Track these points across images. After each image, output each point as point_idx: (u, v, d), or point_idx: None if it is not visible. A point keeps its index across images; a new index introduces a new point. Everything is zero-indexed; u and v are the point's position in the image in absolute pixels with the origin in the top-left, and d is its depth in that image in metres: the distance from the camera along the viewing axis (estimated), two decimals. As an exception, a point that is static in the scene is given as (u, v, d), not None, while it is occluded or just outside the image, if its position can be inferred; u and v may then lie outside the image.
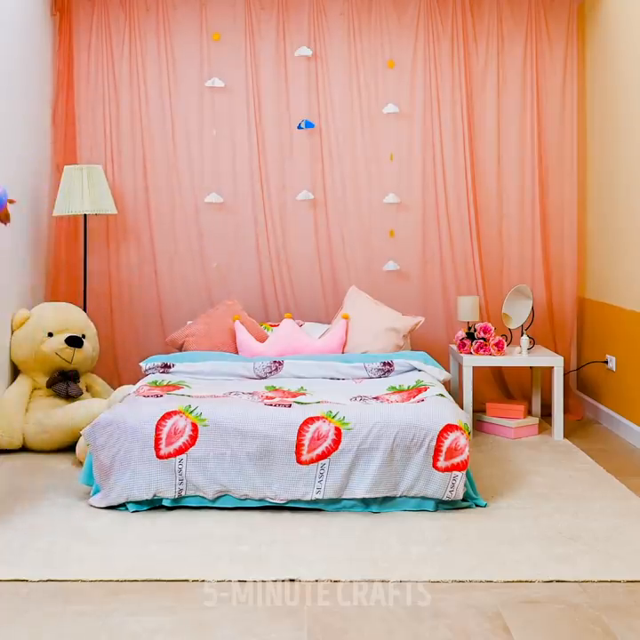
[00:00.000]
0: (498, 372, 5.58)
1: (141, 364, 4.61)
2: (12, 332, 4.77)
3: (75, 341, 4.73)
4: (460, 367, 4.97)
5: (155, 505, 3.60)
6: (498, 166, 5.55)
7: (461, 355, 4.93)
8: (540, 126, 5.54)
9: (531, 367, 5.32)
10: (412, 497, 3.58)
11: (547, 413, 5.19)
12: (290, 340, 4.87)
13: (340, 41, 5.48)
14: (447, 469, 3.54)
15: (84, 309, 5.19)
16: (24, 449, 4.55)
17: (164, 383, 4.27)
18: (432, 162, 5.52)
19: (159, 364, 4.53)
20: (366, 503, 3.57)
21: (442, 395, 3.98)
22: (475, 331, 5.01)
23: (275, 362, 4.55)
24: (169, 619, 2.61)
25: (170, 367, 4.51)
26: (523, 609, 2.67)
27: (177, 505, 3.59)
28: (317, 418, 3.61)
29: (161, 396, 3.95)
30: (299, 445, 3.55)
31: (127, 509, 3.57)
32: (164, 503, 3.58)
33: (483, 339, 4.95)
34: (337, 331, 4.95)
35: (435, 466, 3.55)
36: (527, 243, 5.57)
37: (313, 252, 5.56)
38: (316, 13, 5.46)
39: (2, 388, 4.65)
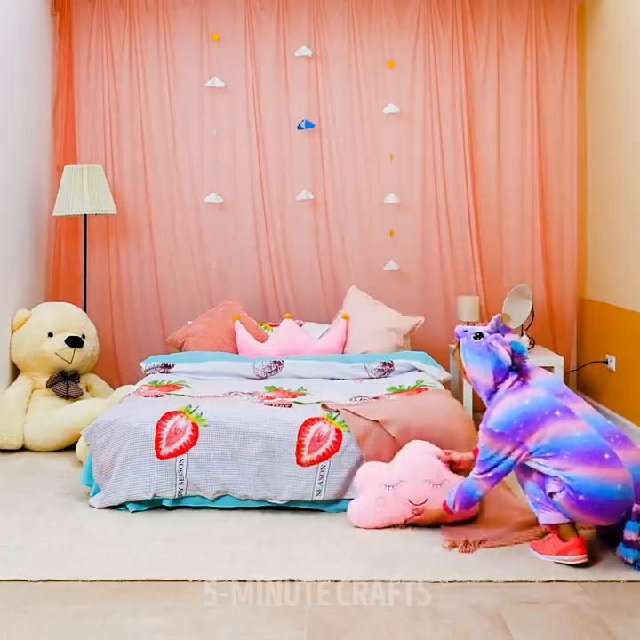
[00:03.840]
0: (498, 372, 5.57)
1: (141, 364, 4.61)
2: (12, 332, 4.77)
3: (75, 341, 4.73)
4: (460, 367, 4.97)
5: (155, 505, 3.60)
6: (498, 166, 5.55)
7: (461, 355, 4.92)
8: (540, 127, 5.54)
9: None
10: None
11: (547, 413, 5.18)
12: (290, 340, 4.86)
13: (340, 41, 5.48)
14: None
15: (84, 309, 5.19)
16: (24, 449, 4.55)
17: (165, 383, 4.27)
18: (432, 162, 5.52)
19: (159, 364, 4.53)
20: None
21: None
22: (475, 331, 5.00)
23: (275, 362, 4.55)
24: (169, 619, 2.61)
25: (170, 367, 4.51)
26: (523, 609, 2.67)
27: (177, 505, 3.60)
28: (318, 419, 3.61)
29: (161, 396, 3.95)
30: (299, 446, 3.54)
31: (127, 509, 3.57)
32: (165, 503, 3.58)
33: (483, 339, 4.94)
34: (337, 331, 4.95)
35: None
36: (527, 243, 5.57)
37: (313, 252, 5.56)
38: (316, 13, 5.46)
39: (2, 388, 4.65)
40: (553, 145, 5.56)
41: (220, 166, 5.52)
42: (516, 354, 3.21)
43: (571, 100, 5.53)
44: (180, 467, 3.55)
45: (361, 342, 4.89)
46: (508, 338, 3.26)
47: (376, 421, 3.56)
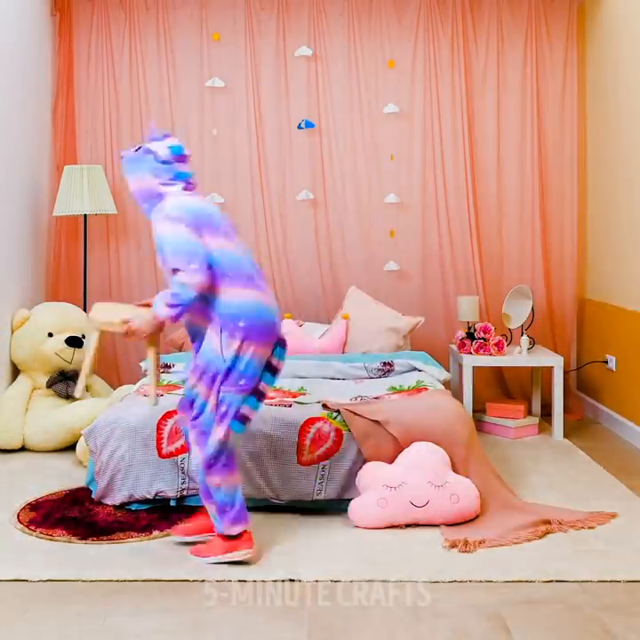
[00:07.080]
0: (498, 372, 5.58)
1: (141, 364, 4.61)
2: (12, 332, 4.77)
3: (75, 341, 4.74)
4: (460, 367, 4.97)
5: (156, 504, 3.59)
6: (498, 166, 5.55)
7: (461, 355, 4.93)
8: (540, 126, 5.54)
9: (531, 367, 5.33)
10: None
11: (547, 413, 5.19)
12: (290, 340, 4.84)
13: (340, 41, 5.48)
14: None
15: (84, 309, 5.19)
16: (24, 449, 4.55)
17: (164, 383, 4.27)
18: (432, 162, 5.52)
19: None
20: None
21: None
22: (475, 331, 5.01)
23: (275, 362, 4.55)
24: (169, 619, 2.61)
25: (170, 367, 4.51)
26: (523, 609, 2.67)
27: (178, 504, 3.59)
28: (319, 419, 3.61)
29: (161, 395, 3.95)
30: (300, 446, 3.54)
31: (130, 509, 3.56)
32: (171, 503, 3.57)
33: (483, 339, 4.95)
34: (337, 331, 4.94)
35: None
36: (527, 243, 5.57)
37: (313, 251, 5.56)
38: (316, 13, 5.46)
39: (2, 387, 4.65)
40: (553, 145, 5.56)
41: (219, 166, 5.52)
42: (175, 156, 3.10)
43: (571, 99, 5.53)
44: (182, 465, 3.55)
45: (361, 342, 4.90)
46: (168, 141, 3.13)
47: (376, 421, 3.56)
